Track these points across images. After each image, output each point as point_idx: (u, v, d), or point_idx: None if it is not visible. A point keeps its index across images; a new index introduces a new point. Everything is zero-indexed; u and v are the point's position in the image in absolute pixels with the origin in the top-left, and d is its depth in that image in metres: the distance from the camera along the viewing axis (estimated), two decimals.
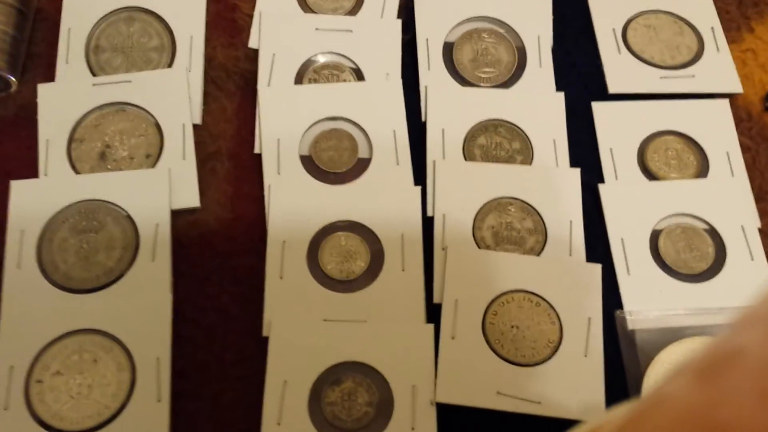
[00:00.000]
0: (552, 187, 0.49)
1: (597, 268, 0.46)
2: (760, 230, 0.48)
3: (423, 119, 0.51)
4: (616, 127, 0.51)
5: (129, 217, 0.45)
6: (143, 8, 0.52)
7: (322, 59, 0.52)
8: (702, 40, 0.55)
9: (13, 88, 0.50)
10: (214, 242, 0.46)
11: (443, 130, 0.50)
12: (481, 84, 0.52)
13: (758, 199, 0.49)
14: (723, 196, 0.49)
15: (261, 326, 0.43)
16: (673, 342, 0.44)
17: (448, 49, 0.53)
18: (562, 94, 0.52)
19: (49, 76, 0.50)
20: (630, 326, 0.45)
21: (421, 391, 0.42)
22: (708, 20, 0.56)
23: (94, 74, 0.50)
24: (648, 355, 0.44)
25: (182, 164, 0.47)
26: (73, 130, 0.48)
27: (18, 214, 0.45)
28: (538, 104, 0.51)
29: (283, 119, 0.49)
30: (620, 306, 0.46)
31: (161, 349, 0.41)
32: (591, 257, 0.47)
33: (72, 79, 0.49)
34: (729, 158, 0.51)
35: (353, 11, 0.54)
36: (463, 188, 0.48)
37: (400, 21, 0.53)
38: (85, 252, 0.44)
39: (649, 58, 0.54)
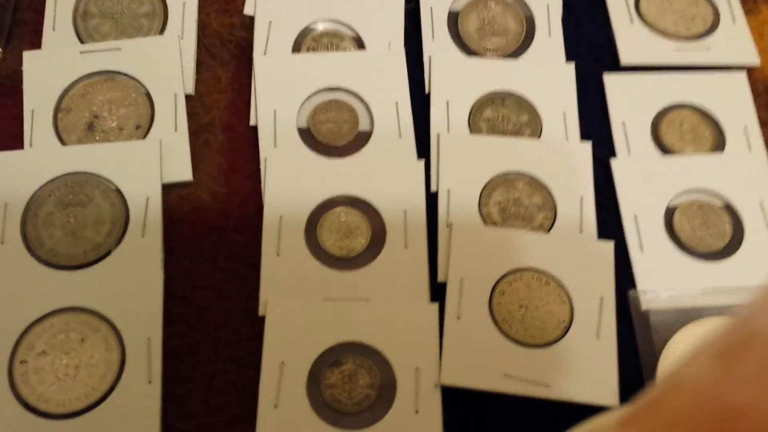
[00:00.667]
0: (562, 161, 0.46)
1: (609, 246, 0.44)
2: None
3: (427, 91, 0.48)
4: (629, 100, 0.49)
5: (118, 190, 0.43)
6: None
7: (321, 27, 0.49)
8: (717, 11, 0.53)
9: None
10: (208, 218, 0.44)
11: (448, 103, 0.48)
12: (488, 54, 0.50)
13: None
14: (740, 172, 0.47)
15: (257, 305, 0.41)
16: (689, 323, 0.42)
17: (453, 18, 0.51)
18: (572, 65, 0.49)
19: (36, 44, 0.48)
20: (644, 306, 0.43)
21: (425, 373, 0.40)
22: None
23: (82, 41, 0.47)
24: (663, 337, 0.42)
25: (174, 136, 0.45)
26: (60, 100, 0.45)
27: (1, 187, 0.43)
28: (547, 76, 0.49)
29: (280, 90, 0.47)
30: (633, 285, 0.44)
31: (152, 329, 0.39)
32: (603, 235, 0.45)
33: (59, 47, 0.47)
34: (746, 132, 0.48)
35: None
36: (468, 162, 0.46)
37: None
38: (72, 227, 0.42)
39: (662, 29, 0.52)
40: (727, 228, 0.45)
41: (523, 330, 0.41)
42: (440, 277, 0.43)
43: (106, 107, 0.45)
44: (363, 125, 0.47)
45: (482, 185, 0.45)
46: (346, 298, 0.41)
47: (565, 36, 0.51)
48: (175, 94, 0.46)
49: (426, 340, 0.40)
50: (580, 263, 0.43)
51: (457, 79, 0.49)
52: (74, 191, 0.43)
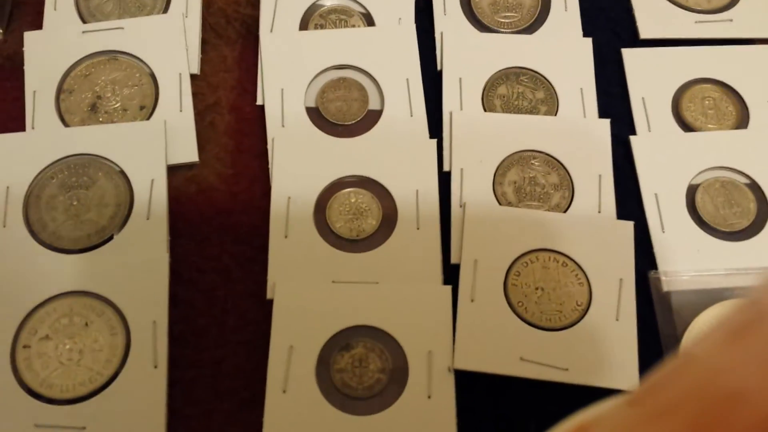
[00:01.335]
0: (579, 139, 0.45)
1: (629, 226, 0.42)
2: None
3: (438, 68, 0.47)
4: (649, 75, 0.47)
5: (122, 172, 0.42)
6: None
7: (329, 3, 0.48)
8: None
9: None
10: (214, 199, 0.43)
11: (460, 80, 0.46)
12: (502, 29, 0.48)
13: None
14: (765, 148, 0.45)
15: (264, 288, 0.40)
16: (712, 304, 0.41)
17: None
18: (589, 40, 0.48)
19: (37, 24, 0.47)
20: (665, 288, 0.41)
21: (438, 357, 0.38)
22: None
23: (84, 21, 0.46)
24: (685, 319, 0.41)
25: (179, 116, 0.44)
26: (62, 81, 0.44)
27: (3, 170, 0.42)
28: (563, 51, 0.48)
29: (288, 68, 0.46)
30: (654, 267, 0.42)
31: (157, 313, 0.38)
32: (622, 215, 0.43)
33: (60, 27, 0.46)
34: None
35: None
36: (482, 141, 0.44)
37: None
38: (75, 210, 0.41)
39: (683, 2, 0.50)
40: (752, 206, 0.43)
41: (539, 312, 0.40)
42: (453, 259, 0.41)
43: (109, 88, 0.44)
44: (373, 104, 0.46)
45: (496, 164, 0.44)
46: (356, 280, 0.40)
47: (582, 10, 0.49)
48: (180, 74, 0.45)
49: (439, 323, 0.39)
50: (599, 244, 0.42)
51: (470, 56, 0.47)
52: (77, 173, 0.42)
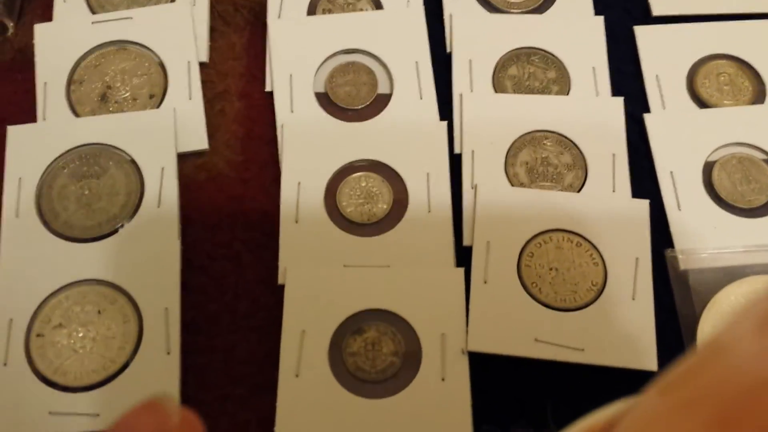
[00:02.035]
0: (592, 118, 0.44)
1: (644, 204, 0.41)
2: None
3: (448, 50, 0.47)
4: (662, 53, 0.47)
5: (133, 161, 0.42)
6: None
7: None
8: None
9: (10, 31, 0.47)
10: (225, 186, 0.43)
11: (470, 62, 0.46)
12: (512, 10, 0.48)
13: None
14: None
15: (276, 274, 0.40)
16: (731, 282, 0.40)
17: None
18: (601, 18, 0.47)
19: (47, 17, 0.47)
20: (682, 266, 0.41)
21: (451, 339, 0.38)
22: None
23: (93, 12, 0.46)
24: (703, 298, 0.40)
25: (189, 104, 0.44)
26: (72, 72, 0.45)
27: (15, 161, 0.42)
28: (574, 30, 0.47)
29: (296, 54, 0.45)
30: (671, 245, 0.41)
31: (170, 299, 0.38)
32: (638, 193, 0.42)
33: (70, 18, 0.46)
34: None
35: None
36: (493, 122, 0.44)
37: None
38: (87, 199, 0.41)
39: None
40: None
41: (553, 293, 0.39)
42: (466, 241, 0.41)
43: (119, 77, 0.44)
44: (382, 87, 0.45)
45: (508, 145, 0.43)
46: (368, 264, 0.40)
47: None
48: (189, 62, 0.45)
49: (452, 305, 0.39)
50: (614, 223, 0.41)
51: (480, 37, 0.46)
52: (88, 163, 0.42)
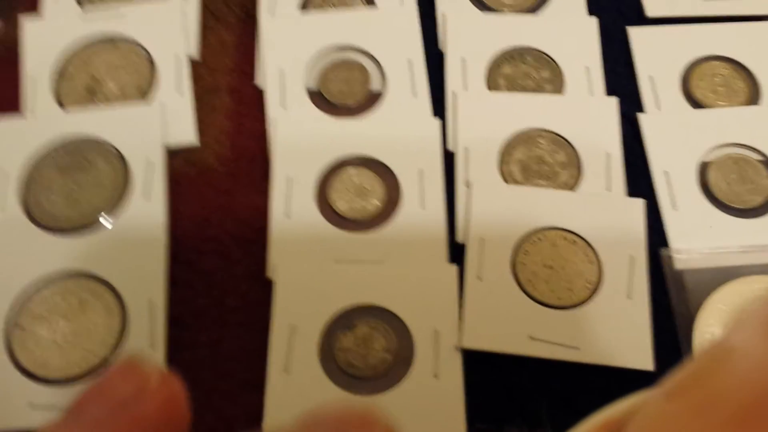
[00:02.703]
0: (586, 117, 0.44)
1: (639, 203, 0.41)
2: None
3: (441, 49, 0.46)
4: (656, 54, 0.46)
5: (120, 155, 0.41)
6: None
7: None
8: None
9: None
10: (214, 181, 0.42)
11: (464, 60, 0.45)
12: (505, 9, 0.48)
13: None
14: None
15: (265, 269, 0.39)
16: (726, 282, 0.39)
17: None
18: (594, 19, 0.47)
19: (36, 11, 0.46)
20: (678, 266, 0.40)
21: (445, 336, 0.37)
22: None
23: (81, 6, 0.46)
24: (699, 297, 0.39)
25: (178, 100, 0.43)
26: (60, 66, 0.44)
27: (2, 154, 0.41)
28: (568, 30, 0.47)
29: (288, 50, 0.45)
30: (666, 245, 0.41)
31: (154, 292, 0.37)
32: (633, 193, 0.42)
33: (58, 13, 0.46)
34: None
35: None
36: (487, 120, 0.43)
37: None
38: (73, 192, 0.40)
39: None
40: (765, 183, 0.42)
41: (549, 291, 0.39)
42: (459, 238, 0.40)
43: (107, 72, 0.44)
44: (375, 85, 0.45)
45: (502, 143, 0.43)
46: (360, 260, 0.39)
47: None
48: (179, 58, 0.44)
49: (445, 301, 0.38)
50: (609, 221, 0.40)
51: (473, 36, 0.46)
52: (75, 156, 0.41)
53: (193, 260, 0.40)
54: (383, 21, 0.46)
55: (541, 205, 0.41)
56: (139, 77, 0.44)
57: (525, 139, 0.43)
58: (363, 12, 0.46)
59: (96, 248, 0.38)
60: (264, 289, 0.38)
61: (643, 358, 0.37)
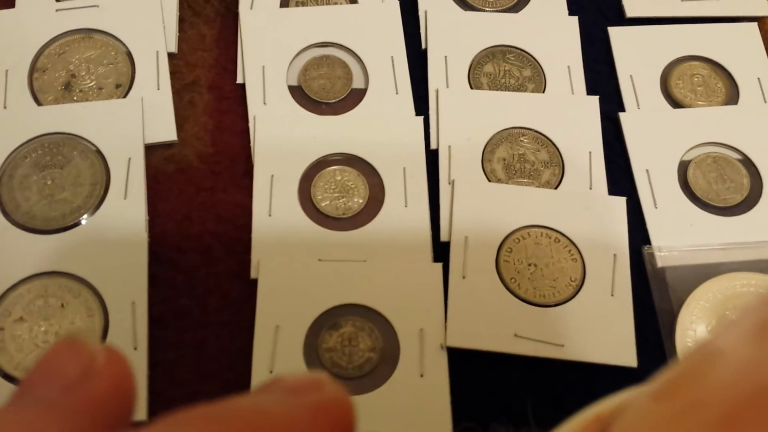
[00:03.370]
0: (568, 115, 0.44)
1: (621, 202, 0.41)
2: None
3: (423, 47, 0.46)
4: (636, 54, 0.47)
5: (98, 151, 0.40)
6: None
7: None
8: None
9: None
10: (195, 178, 0.41)
11: (446, 58, 0.45)
12: (486, 8, 0.48)
13: None
14: (756, 124, 0.44)
15: (248, 268, 0.38)
16: (707, 279, 0.40)
17: None
18: (575, 19, 0.47)
19: (9, 4, 0.45)
20: (660, 263, 0.40)
21: (430, 335, 0.37)
22: None
23: None
24: (680, 294, 0.40)
25: (157, 95, 0.42)
26: (35, 59, 0.43)
27: None
28: (549, 29, 0.47)
29: (269, 46, 0.44)
30: (648, 243, 0.41)
31: (137, 293, 0.37)
32: (614, 191, 0.42)
33: (33, 5, 0.44)
34: (760, 84, 0.46)
35: None
36: (469, 118, 0.43)
37: None
38: (50, 189, 0.39)
39: None
40: (745, 181, 0.43)
41: (532, 288, 0.39)
42: (443, 236, 0.40)
43: (83, 66, 0.43)
44: (357, 82, 0.44)
45: (485, 141, 0.43)
46: (344, 259, 0.39)
47: None
48: (157, 52, 0.43)
49: (430, 300, 0.38)
50: (591, 219, 0.41)
51: (455, 34, 0.46)
52: (51, 152, 0.40)
53: (175, 259, 0.39)
54: (365, 17, 0.46)
55: (524, 204, 0.41)
56: (117, 71, 0.43)
57: (507, 137, 0.43)
58: (345, 8, 0.46)
59: (75, 248, 0.37)
60: (247, 288, 0.38)
61: (626, 355, 0.38)
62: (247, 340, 0.36)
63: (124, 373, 0.16)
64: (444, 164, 0.42)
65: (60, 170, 0.40)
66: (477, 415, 0.36)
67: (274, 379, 0.16)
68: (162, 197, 0.40)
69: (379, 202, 0.41)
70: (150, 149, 0.41)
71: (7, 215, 0.38)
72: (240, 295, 0.38)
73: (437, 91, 0.44)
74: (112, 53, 0.43)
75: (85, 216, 0.39)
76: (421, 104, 0.44)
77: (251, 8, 0.45)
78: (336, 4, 0.46)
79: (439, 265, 0.39)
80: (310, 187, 0.41)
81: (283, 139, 0.42)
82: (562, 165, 0.43)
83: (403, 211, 0.40)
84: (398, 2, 0.46)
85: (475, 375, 0.37)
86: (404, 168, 0.41)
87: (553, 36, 0.47)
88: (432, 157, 0.42)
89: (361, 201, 0.41)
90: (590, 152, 0.43)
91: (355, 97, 0.44)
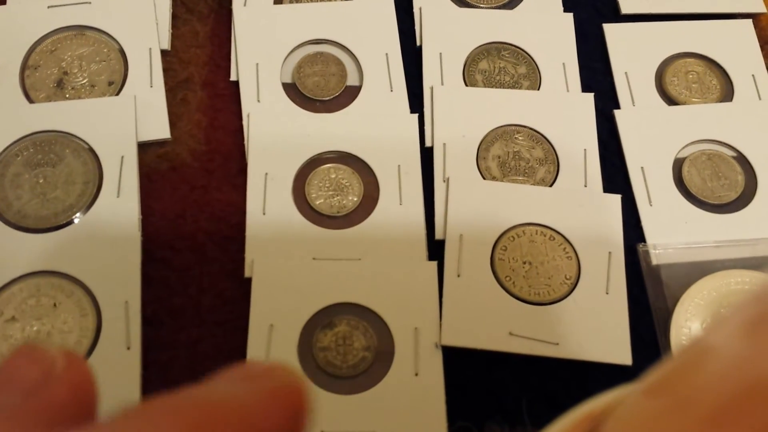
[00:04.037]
0: (563, 113, 0.44)
1: (616, 199, 0.41)
2: None
3: (418, 44, 0.46)
4: (631, 50, 0.47)
5: (91, 149, 0.40)
6: None
7: None
8: None
9: None
10: (188, 176, 0.41)
11: (441, 55, 0.45)
12: (481, 5, 0.47)
13: None
14: (751, 121, 0.44)
15: (242, 267, 0.38)
16: (702, 277, 0.40)
17: None
18: (570, 15, 0.47)
19: (1, 0, 0.45)
20: (655, 261, 0.40)
21: (425, 333, 0.37)
22: None
23: None
24: (675, 292, 0.40)
25: (150, 92, 0.42)
26: (27, 56, 0.42)
27: None
28: (544, 26, 0.47)
29: (263, 43, 0.44)
30: (643, 240, 0.41)
31: (130, 292, 0.36)
32: (609, 189, 0.42)
33: (25, 1, 0.44)
34: (755, 81, 0.46)
35: None
36: (464, 116, 0.43)
37: None
38: (42, 188, 0.39)
39: None
40: (740, 179, 0.43)
41: (527, 287, 0.39)
42: (438, 235, 0.40)
43: (76, 63, 0.43)
44: (351, 79, 0.44)
45: (479, 139, 0.43)
46: (338, 257, 0.39)
47: None
48: (150, 49, 0.43)
49: (424, 299, 0.38)
50: (586, 217, 0.41)
51: (450, 31, 0.46)
52: (43, 151, 0.40)
53: (168, 258, 0.39)
54: (360, 14, 0.45)
55: (519, 201, 0.41)
56: (109, 69, 0.43)
57: (502, 134, 0.43)
58: (339, 4, 0.46)
59: (67, 247, 0.37)
60: (241, 287, 0.38)
61: (621, 353, 0.38)
62: (242, 340, 0.36)
63: (84, 378, 0.16)
64: (439, 162, 0.42)
65: (52, 168, 0.39)
66: (472, 414, 0.36)
67: (229, 368, 0.16)
68: (155, 195, 0.40)
69: (373, 200, 0.41)
70: (143, 147, 0.41)
71: None
72: (234, 294, 0.38)
73: (432, 89, 0.44)
74: (105, 50, 0.43)
75: (77, 215, 0.38)
76: (416, 101, 0.44)
77: (245, 5, 0.45)
78: (330, 0, 0.46)
79: (434, 264, 0.38)
80: (305, 185, 0.41)
81: (277, 137, 0.41)
82: (557, 162, 0.43)
83: (398, 209, 0.40)
84: None
85: (470, 373, 0.37)
86: (399, 166, 0.41)
87: (548, 33, 0.46)
88: (427, 155, 0.42)
89: (355, 199, 0.41)
90: (585, 150, 0.43)
91: (350, 94, 0.44)
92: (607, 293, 0.39)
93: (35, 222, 0.38)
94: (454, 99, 0.44)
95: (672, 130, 0.44)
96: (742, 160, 0.43)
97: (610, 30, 0.47)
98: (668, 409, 0.15)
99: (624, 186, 0.42)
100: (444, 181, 0.41)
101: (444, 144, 0.42)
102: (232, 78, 0.44)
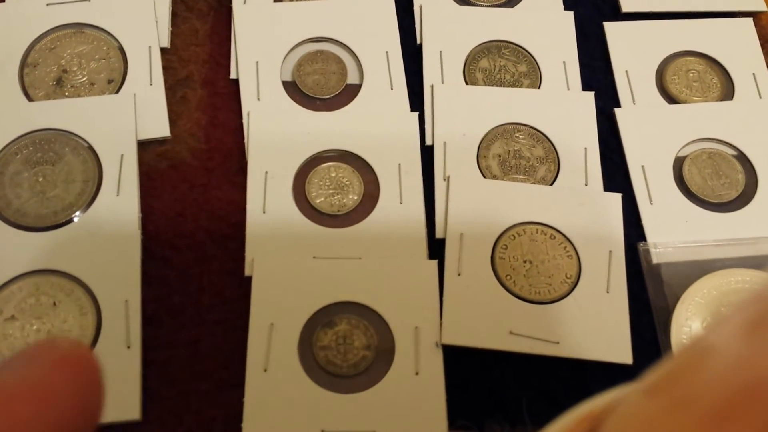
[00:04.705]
0: (563, 111, 0.44)
1: (617, 198, 0.41)
2: None
3: (418, 42, 0.46)
4: (632, 49, 0.47)
5: (90, 147, 0.40)
6: None
7: None
8: None
9: None
10: (188, 175, 0.41)
11: (441, 53, 0.45)
12: (482, 3, 0.47)
13: None
14: (752, 120, 0.44)
15: (242, 266, 0.38)
16: (703, 275, 0.40)
17: None
18: (571, 14, 0.47)
19: None
20: (655, 260, 0.40)
21: (425, 332, 0.37)
22: None
23: None
24: (676, 291, 0.40)
25: (149, 90, 0.42)
26: (26, 54, 0.42)
27: None
28: (545, 24, 0.46)
29: (262, 41, 0.44)
30: (643, 239, 0.41)
31: (130, 291, 0.36)
32: (610, 187, 0.42)
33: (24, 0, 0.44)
34: (756, 80, 0.46)
35: None
36: (464, 114, 0.43)
37: None
38: (41, 186, 0.39)
39: None
40: (740, 177, 0.43)
41: (528, 285, 0.39)
42: (438, 234, 0.40)
43: (75, 61, 0.42)
44: (352, 77, 0.44)
45: (480, 137, 0.43)
46: (338, 256, 0.39)
47: None
48: (150, 47, 0.43)
49: (425, 298, 0.38)
50: (587, 216, 0.40)
51: (450, 29, 0.46)
52: (42, 149, 0.40)
53: (168, 257, 0.39)
54: (360, 12, 0.45)
55: (520, 200, 0.41)
56: (109, 67, 0.42)
57: (503, 133, 0.43)
58: (339, 2, 0.45)
59: (67, 245, 0.37)
60: (241, 285, 0.38)
61: (621, 352, 0.37)
62: (242, 338, 0.36)
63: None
64: (439, 160, 0.42)
65: (51, 167, 0.39)
66: (472, 413, 0.36)
67: (10, 354, 0.17)
68: (155, 194, 0.40)
69: (374, 199, 0.41)
70: (143, 145, 0.41)
71: None
72: (234, 292, 0.38)
73: (432, 87, 0.44)
74: (104, 48, 0.43)
75: (77, 213, 0.38)
76: (416, 100, 0.44)
77: (245, 3, 0.45)
78: None
79: (435, 263, 0.38)
80: (305, 183, 0.41)
81: (277, 135, 0.41)
82: (557, 161, 0.42)
83: (398, 207, 0.40)
84: None
85: (471, 372, 0.37)
86: (399, 164, 0.41)
87: (549, 31, 0.46)
88: (427, 154, 0.42)
89: (355, 198, 0.40)
90: (586, 148, 0.43)
91: (350, 92, 0.44)
92: (607, 292, 0.39)
93: (35, 220, 0.38)
94: (454, 97, 0.43)
95: (672, 129, 0.44)
96: (742, 158, 0.43)
97: (611, 28, 0.47)
98: (668, 409, 0.15)
99: (624, 185, 0.42)
100: (444, 179, 0.41)
101: (444, 142, 0.42)
102: (232, 76, 0.43)
